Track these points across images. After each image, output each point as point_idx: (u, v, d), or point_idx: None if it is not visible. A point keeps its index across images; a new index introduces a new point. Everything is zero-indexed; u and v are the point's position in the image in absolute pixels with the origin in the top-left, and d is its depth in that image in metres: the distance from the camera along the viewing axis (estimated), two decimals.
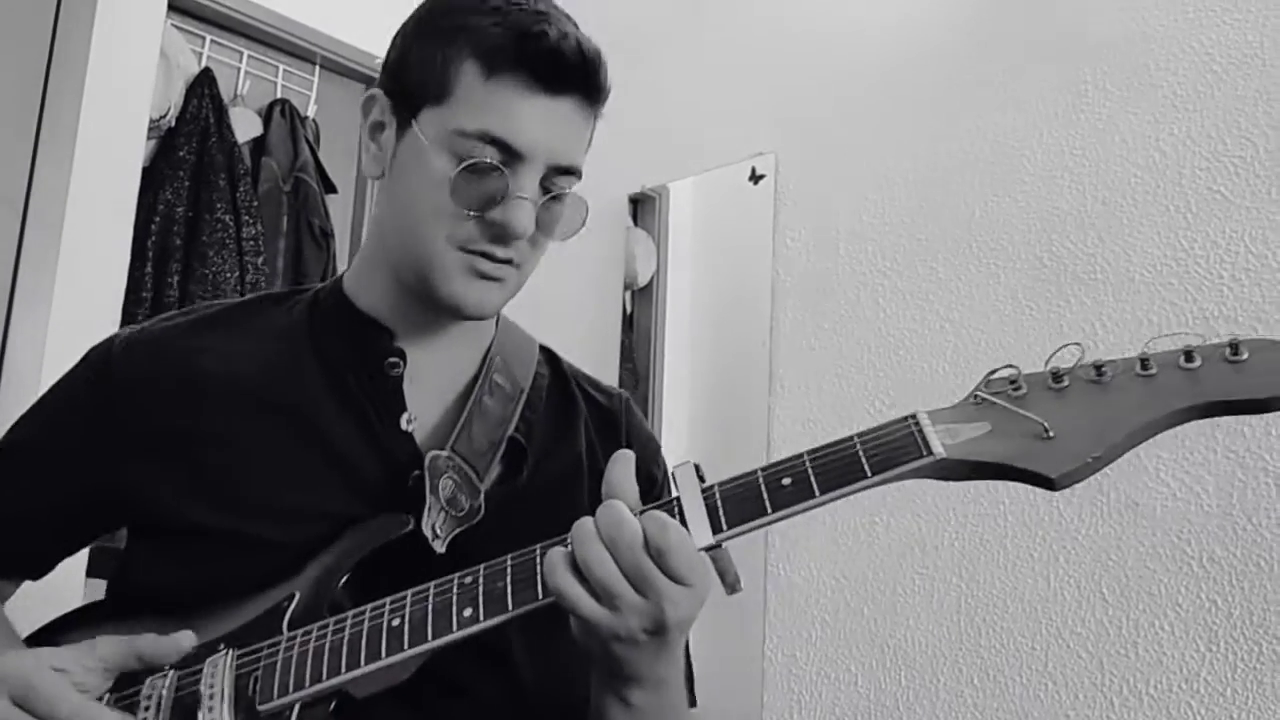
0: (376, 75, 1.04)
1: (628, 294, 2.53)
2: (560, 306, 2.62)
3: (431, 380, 1.01)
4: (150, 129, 2.30)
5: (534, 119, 0.91)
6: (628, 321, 2.51)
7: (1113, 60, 1.84)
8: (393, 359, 0.98)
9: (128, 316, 2.19)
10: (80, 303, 2.08)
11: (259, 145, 2.58)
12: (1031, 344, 1.83)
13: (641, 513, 0.79)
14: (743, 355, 2.26)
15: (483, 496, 0.94)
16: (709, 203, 2.45)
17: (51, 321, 2.04)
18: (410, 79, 0.95)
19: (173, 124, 2.41)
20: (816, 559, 2.04)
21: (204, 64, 2.50)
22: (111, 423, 0.97)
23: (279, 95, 2.64)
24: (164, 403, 0.96)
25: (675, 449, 2.31)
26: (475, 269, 0.93)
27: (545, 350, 1.13)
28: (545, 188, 0.94)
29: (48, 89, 2.21)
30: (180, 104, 2.42)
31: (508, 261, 0.94)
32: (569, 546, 0.77)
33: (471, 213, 0.91)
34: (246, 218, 2.42)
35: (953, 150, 2.01)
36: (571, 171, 0.95)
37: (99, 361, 1.02)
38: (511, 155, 0.91)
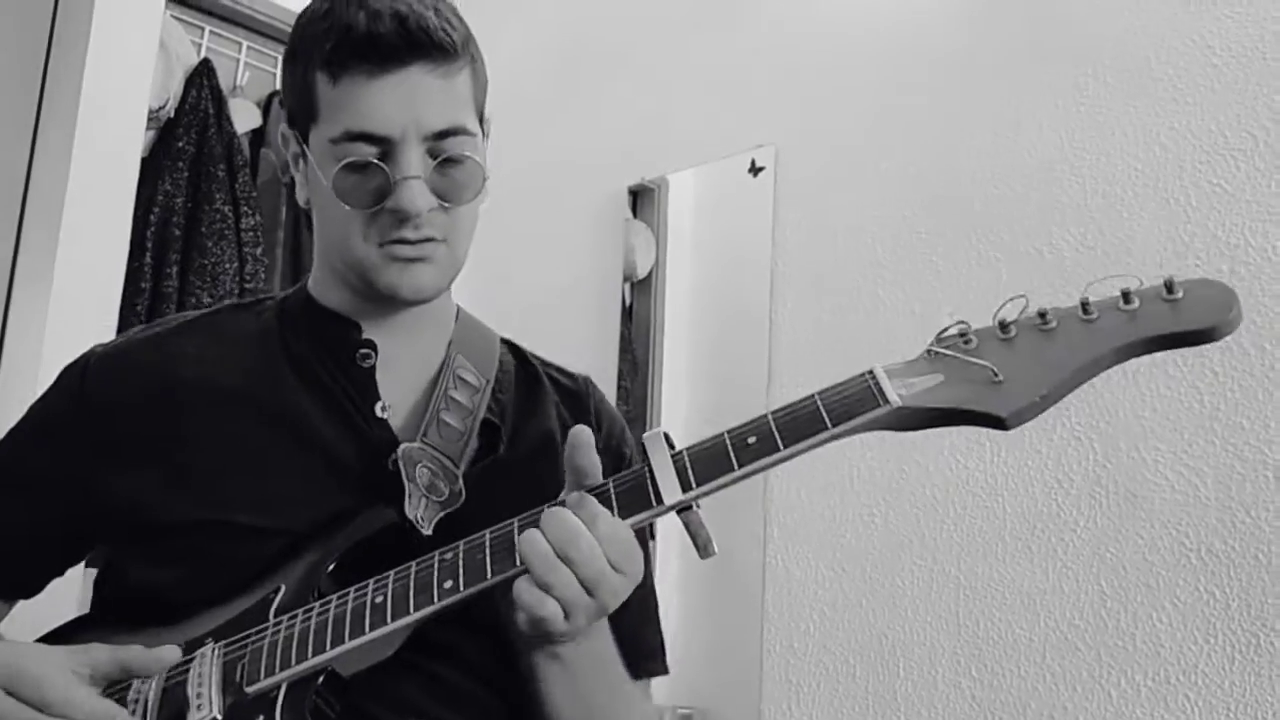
0: None
1: (627, 286, 2.52)
2: (559, 299, 2.62)
3: (401, 370, 1.04)
4: (149, 120, 2.29)
5: (382, 100, 0.92)
6: (627, 313, 2.51)
7: (1113, 53, 1.84)
8: (364, 350, 1.01)
9: (127, 307, 2.19)
10: (79, 293, 2.07)
11: (258, 136, 2.57)
12: None
13: (614, 481, 0.83)
14: (742, 347, 2.26)
15: (461, 481, 0.96)
16: (708, 195, 2.45)
17: (50, 312, 2.04)
18: (294, 110, 1.00)
19: (172, 115, 2.40)
20: (815, 550, 2.04)
21: (203, 55, 2.49)
22: (89, 437, 0.99)
23: (278, 87, 2.64)
24: (140, 412, 0.98)
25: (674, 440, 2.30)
26: (396, 256, 0.95)
27: (507, 341, 1.16)
28: (435, 154, 0.95)
29: (47, 79, 2.21)
30: (179, 95, 2.41)
31: (427, 240, 0.96)
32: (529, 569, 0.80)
33: (369, 209, 0.93)
34: (245, 209, 2.42)
35: (952, 143, 2.01)
36: (453, 132, 0.95)
37: (73, 379, 1.03)
38: (381, 142, 0.93)
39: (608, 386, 2.41)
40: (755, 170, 2.30)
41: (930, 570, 1.89)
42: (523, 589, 0.80)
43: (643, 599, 1.02)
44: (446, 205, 0.96)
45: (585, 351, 2.45)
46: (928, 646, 1.87)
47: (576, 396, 1.14)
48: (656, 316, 2.47)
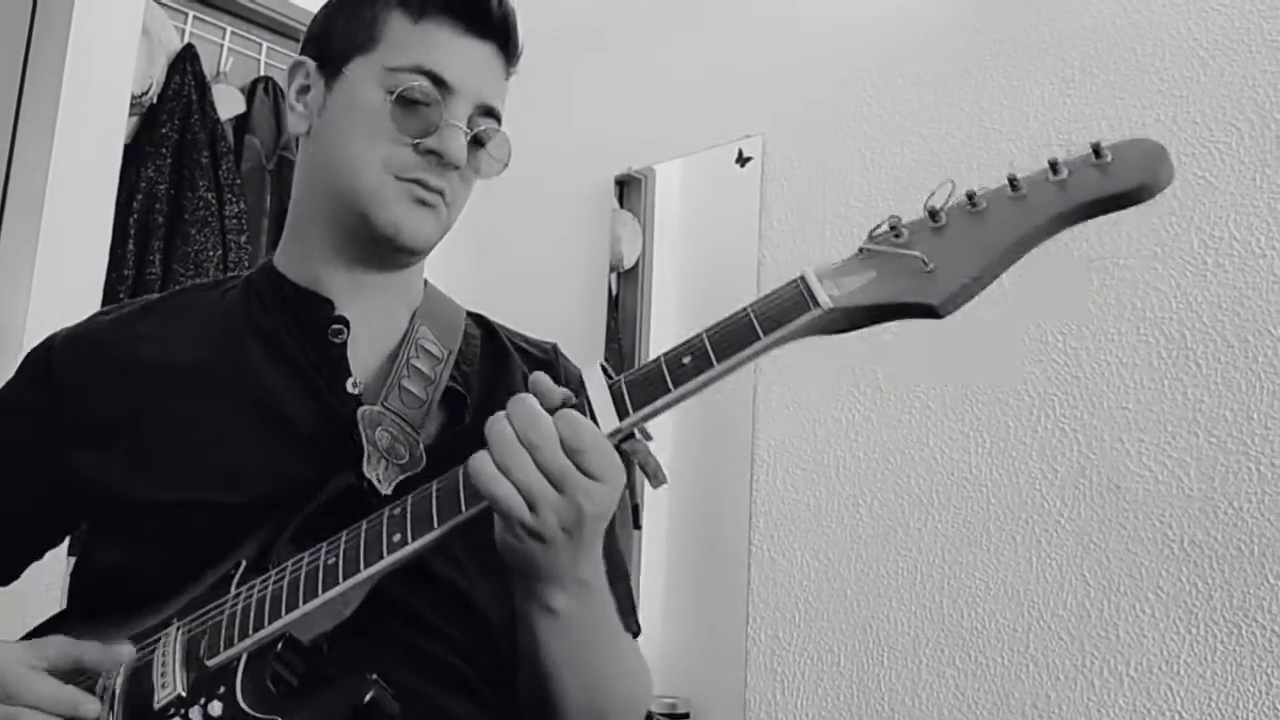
0: None
1: (613, 276, 2.52)
2: (546, 288, 2.62)
3: (370, 342, 1.03)
4: (132, 105, 2.27)
5: (461, 55, 0.97)
6: (613, 303, 2.50)
7: (1100, 47, 1.84)
8: (336, 326, 1.00)
9: (109, 294, 2.17)
10: (62, 280, 2.06)
11: (242, 123, 2.55)
12: (1016, 329, 1.83)
13: (553, 412, 0.80)
14: None
15: (422, 446, 0.95)
16: (695, 185, 2.45)
17: (33, 299, 2.02)
18: (337, 39, 1.00)
19: (155, 100, 2.38)
20: (800, 540, 2.05)
21: (186, 40, 2.47)
22: (56, 421, 0.98)
23: (262, 73, 2.62)
24: (105, 393, 0.98)
25: (662, 428, 2.30)
26: (412, 195, 0.97)
27: (475, 315, 1.16)
28: (470, 126, 0.98)
29: (28, 65, 2.18)
30: (162, 80, 2.38)
31: (440, 192, 0.98)
32: (489, 451, 0.79)
33: (408, 139, 0.95)
34: (229, 195, 2.40)
35: (940, 135, 2.01)
36: (493, 114, 1.01)
37: (38, 362, 1.03)
38: (442, 87, 0.96)
39: None
40: (742, 160, 2.30)
41: (915, 561, 1.90)
42: (484, 475, 0.77)
43: (610, 555, 1.02)
44: (467, 172, 1.00)
45: (571, 341, 2.43)
46: (912, 636, 1.88)
47: (545, 365, 1.13)
48: (643, 306, 2.47)
